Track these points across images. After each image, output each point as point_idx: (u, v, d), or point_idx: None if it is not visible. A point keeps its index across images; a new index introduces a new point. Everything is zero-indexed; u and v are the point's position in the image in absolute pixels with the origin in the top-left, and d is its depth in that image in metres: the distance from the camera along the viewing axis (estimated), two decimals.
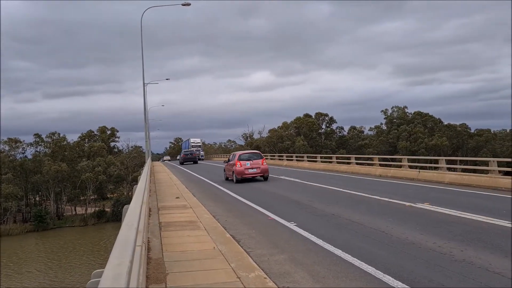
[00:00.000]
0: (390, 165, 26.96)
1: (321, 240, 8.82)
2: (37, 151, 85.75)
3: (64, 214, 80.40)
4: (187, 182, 26.42)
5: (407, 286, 5.95)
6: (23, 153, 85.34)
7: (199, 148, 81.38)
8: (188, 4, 28.09)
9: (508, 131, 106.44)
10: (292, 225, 10.64)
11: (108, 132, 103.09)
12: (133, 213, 5.15)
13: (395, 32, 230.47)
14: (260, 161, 25.30)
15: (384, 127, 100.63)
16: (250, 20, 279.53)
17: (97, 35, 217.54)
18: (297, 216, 12.01)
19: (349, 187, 19.00)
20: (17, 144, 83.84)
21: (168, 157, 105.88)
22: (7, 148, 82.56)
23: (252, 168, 24.62)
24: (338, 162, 34.17)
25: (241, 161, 24.88)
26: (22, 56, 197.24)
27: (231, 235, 9.68)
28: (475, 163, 24.46)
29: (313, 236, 9.30)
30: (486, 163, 19.96)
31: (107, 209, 78.51)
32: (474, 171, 20.87)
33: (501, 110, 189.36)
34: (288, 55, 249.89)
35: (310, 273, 6.71)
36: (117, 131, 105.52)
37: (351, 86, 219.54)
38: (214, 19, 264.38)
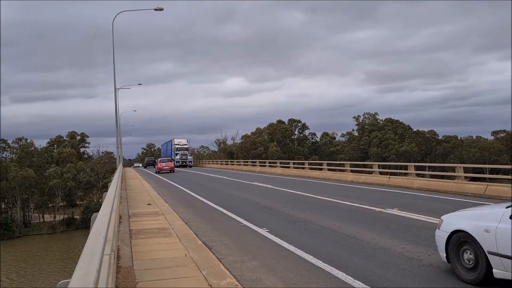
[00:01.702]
0: (361, 171, 27.42)
1: (292, 246, 8.86)
2: (3, 157, 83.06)
3: (31, 221, 77.85)
4: (159, 188, 26.10)
5: None
6: None
7: (186, 152, 65.63)
8: (161, 9, 27.96)
9: (474, 137, 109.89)
10: (264, 231, 10.65)
11: (78, 138, 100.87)
12: (102, 221, 5.05)
13: (367, 40, 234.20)
14: (170, 163, 50.71)
15: (356, 133, 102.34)
16: (226, 26, 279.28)
17: (71, 38, 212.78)
18: (269, 222, 12.04)
19: (321, 193, 19.21)
20: None
21: (139, 164, 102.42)
22: None
23: (166, 166, 49.11)
24: (310, 168, 34.52)
25: (161, 163, 50.58)
26: None
27: (203, 242, 9.61)
28: (443, 169, 25.08)
29: (285, 242, 9.33)
30: (453, 169, 20.51)
31: (76, 216, 76.64)
32: (442, 177, 21.41)
33: (468, 118, 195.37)
34: (263, 61, 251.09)
35: (281, 280, 6.73)
36: (87, 137, 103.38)
37: (324, 92, 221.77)
38: (190, 24, 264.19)
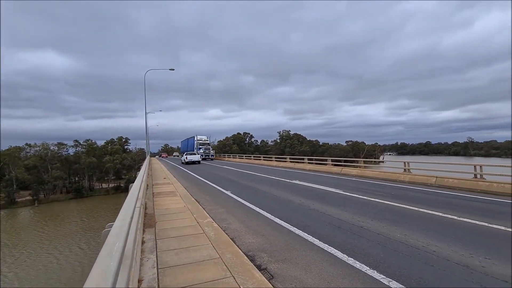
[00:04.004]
0: (283, 161, 27.75)
1: (245, 201, 8.73)
2: (77, 151, 75.89)
3: (94, 188, 71.69)
4: (171, 170, 24.98)
5: (287, 224, 5.98)
6: (67, 152, 75.02)
7: (208, 146, 39.51)
8: (173, 70, 26.98)
9: (337, 144, 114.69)
10: (228, 193, 10.43)
11: (124, 140, 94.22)
12: (135, 188, 4.78)
13: (284, 93, 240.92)
14: (166, 154, 55.14)
15: (279, 141, 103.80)
16: (211, 81, 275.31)
17: (120, 84, 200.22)
18: (232, 187, 11.77)
19: (260, 172, 19.14)
20: (63, 146, 73.49)
21: (158, 156, 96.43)
22: (56, 148, 71.96)
23: (164, 155, 51.18)
24: (254, 158, 34.50)
25: (163, 154, 55.66)
26: (72, 93, 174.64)
27: (195, 199, 9.29)
28: (321, 160, 25.96)
29: (240, 198, 9.18)
30: (326, 160, 21.32)
31: (121, 185, 71.56)
32: (320, 164, 22.16)
33: (334, 133, 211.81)
34: (231, 101, 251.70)
35: (237, 218, 6.65)
36: (129, 139, 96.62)
37: (263, 119, 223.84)
38: (191, 79, 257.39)
